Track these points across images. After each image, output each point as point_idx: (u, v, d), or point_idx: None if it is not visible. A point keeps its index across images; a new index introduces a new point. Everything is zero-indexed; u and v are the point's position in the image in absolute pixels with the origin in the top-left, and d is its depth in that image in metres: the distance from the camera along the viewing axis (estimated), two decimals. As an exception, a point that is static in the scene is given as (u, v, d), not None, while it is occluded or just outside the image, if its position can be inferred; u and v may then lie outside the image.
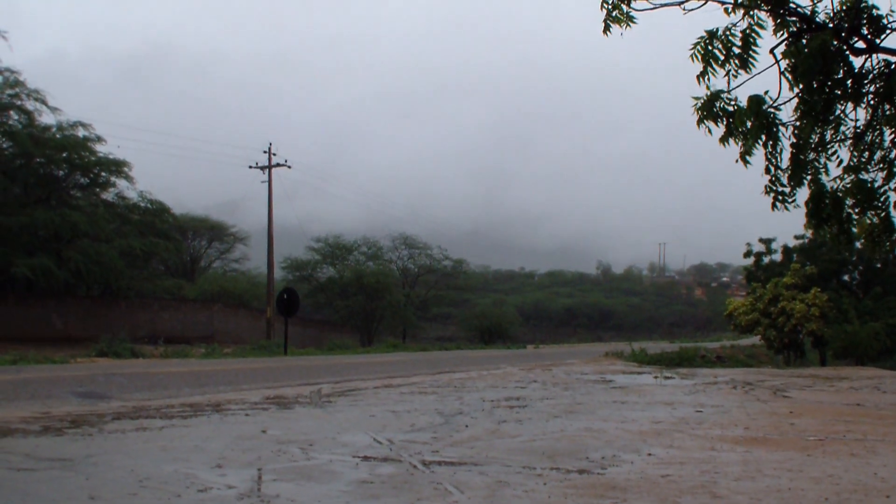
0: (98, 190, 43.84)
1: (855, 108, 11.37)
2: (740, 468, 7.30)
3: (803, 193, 11.71)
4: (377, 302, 61.16)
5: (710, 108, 10.98)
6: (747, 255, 45.71)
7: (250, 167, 50.23)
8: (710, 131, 11.02)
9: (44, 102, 38.06)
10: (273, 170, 49.90)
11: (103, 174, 42.47)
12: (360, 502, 5.73)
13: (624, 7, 11.25)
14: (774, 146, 11.00)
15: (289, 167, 50.42)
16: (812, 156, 11.62)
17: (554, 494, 6.07)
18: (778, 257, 45.01)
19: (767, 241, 45.21)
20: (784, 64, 10.81)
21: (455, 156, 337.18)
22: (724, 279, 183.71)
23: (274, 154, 49.86)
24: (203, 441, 8.17)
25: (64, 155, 40.08)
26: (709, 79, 10.85)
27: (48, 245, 37.82)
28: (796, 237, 44.09)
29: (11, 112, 37.49)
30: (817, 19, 10.97)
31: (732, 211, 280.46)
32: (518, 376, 19.61)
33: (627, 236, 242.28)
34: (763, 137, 10.89)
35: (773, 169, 11.24)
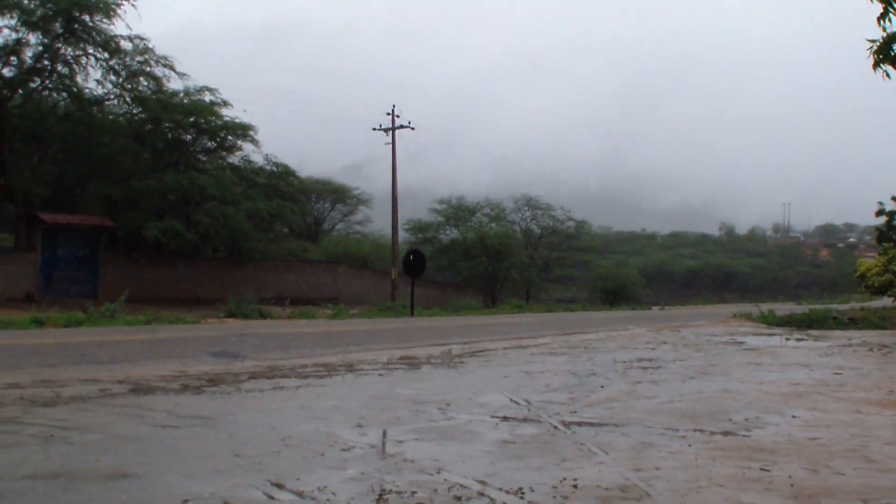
0: (225, 153, 44.44)
1: None
2: (891, 432, 7.05)
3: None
4: (500, 263, 60.98)
5: (887, 52, 10.52)
6: (879, 213, 43.91)
7: (374, 129, 50.44)
8: (887, 75, 10.57)
9: (172, 68, 38.61)
10: (397, 132, 49.97)
11: (230, 138, 42.94)
12: (504, 462, 5.65)
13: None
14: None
15: (412, 129, 50.44)
16: None
17: (701, 457, 5.92)
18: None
19: (901, 200, 43.50)
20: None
21: (581, 118, 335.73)
22: (852, 240, 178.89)
23: (398, 116, 49.99)
24: (340, 400, 8.20)
25: (191, 119, 40.70)
26: (889, 20, 10.38)
27: (177, 208, 38.50)
28: (932, 195, 42.34)
29: (141, 78, 38.15)
30: None
31: (860, 170, 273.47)
32: (647, 338, 19.35)
33: (751, 197, 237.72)
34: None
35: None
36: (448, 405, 7.99)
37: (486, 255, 60.79)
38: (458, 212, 65.09)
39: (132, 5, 36.00)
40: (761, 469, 5.59)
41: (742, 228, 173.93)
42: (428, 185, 59.97)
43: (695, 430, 6.94)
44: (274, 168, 45.27)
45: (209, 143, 43.93)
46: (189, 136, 42.91)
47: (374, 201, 74.76)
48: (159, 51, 38.47)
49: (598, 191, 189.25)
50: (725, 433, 6.87)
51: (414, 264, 37.40)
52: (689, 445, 6.32)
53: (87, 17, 35.35)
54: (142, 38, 37.51)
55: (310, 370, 10.89)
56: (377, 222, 74.75)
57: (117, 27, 36.33)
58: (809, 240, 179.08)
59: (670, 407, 8.25)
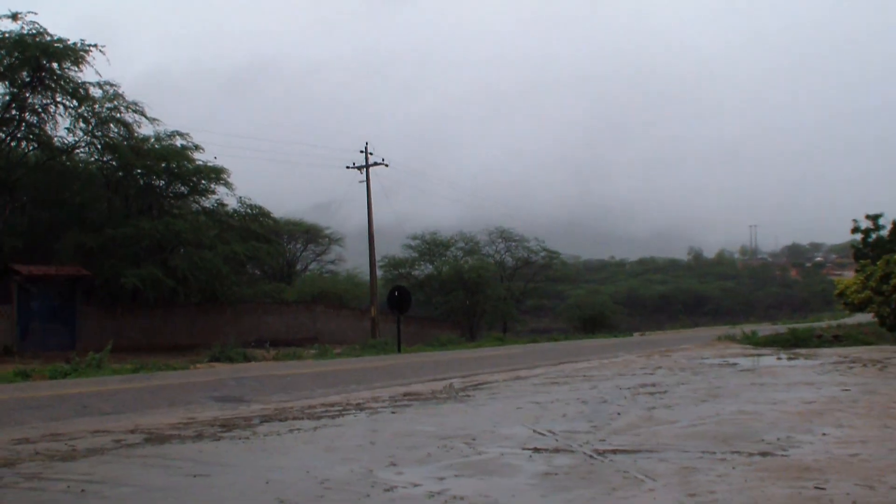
0: (198, 197, 44.27)
1: None
2: (926, 445, 7.03)
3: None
4: (477, 296, 61.03)
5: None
6: (855, 231, 44.42)
7: (348, 167, 50.12)
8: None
9: (142, 114, 38.35)
10: (370, 169, 49.96)
11: (203, 182, 42.81)
12: (554, 495, 5.54)
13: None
14: None
15: (386, 165, 50.15)
16: None
17: (750, 478, 5.87)
18: (885, 233, 43.65)
19: (875, 217, 43.86)
20: None
21: (548, 150, 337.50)
22: (819, 259, 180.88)
23: (371, 154, 49.96)
24: (363, 440, 8.04)
25: (164, 165, 40.43)
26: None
27: (153, 255, 38.20)
28: (905, 211, 42.82)
29: (111, 125, 37.85)
30: None
31: (823, 190, 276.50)
32: (640, 363, 19.33)
33: (718, 220, 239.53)
34: None
35: None
36: (474, 439, 7.86)
37: (462, 289, 60.85)
38: (431, 247, 65.24)
39: (100, 51, 35.74)
40: (816, 488, 5.53)
41: (710, 252, 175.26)
42: (399, 222, 60.12)
43: (732, 453, 6.90)
44: (248, 210, 45.05)
45: (182, 188, 43.67)
46: (161, 182, 42.64)
47: (346, 240, 74.75)
48: (128, 97, 38.29)
49: (567, 221, 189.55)
50: (764, 454, 6.83)
51: (399, 300, 37.17)
52: (733, 468, 6.27)
53: (55, 65, 35.05)
54: (111, 84, 37.25)
55: (319, 411, 10.71)
56: (350, 261, 74.72)
57: (86, 74, 36.08)
58: (777, 260, 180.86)
59: (695, 430, 8.19)
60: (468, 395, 12.32)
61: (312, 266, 74.57)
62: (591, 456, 6.86)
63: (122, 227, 36.90)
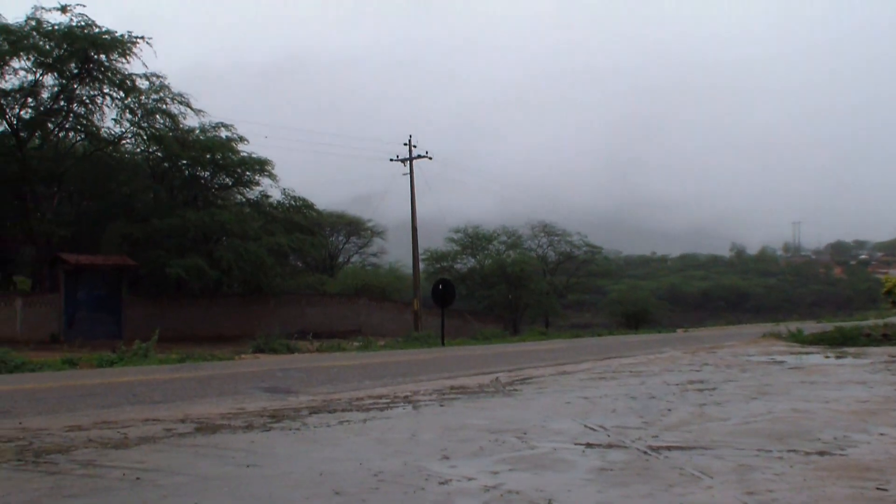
0: (242, 189, 44.57)
1: None
2: None
3: None
4: (520, 290, 60.94)
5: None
6: (902, 229, 43.86)
7: (391, 160, 50.22)
8: None
9: (188, 105, 38.75)
10: (413, 162, 49.98)
11: (247, 173, 43.11)
12: (612, 490, 5.45)
13: None
14: None
15: (430, 158, 50.22)
16: None
17: (808, 478, 5.74)
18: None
19: (927, 213, 43.30)
20: None
21: (587, 143, 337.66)
22: (863, 256, 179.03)
23: (414, 146, 49.96)
24: (414, 433, 7.99)
25: (208, 156, 40.73)
26: None
27: (198, 246, 38.50)
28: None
29: (157, 116, 38.19)
30: None
31: (868, 187, 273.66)
32: (686, 360, 19.15)
33: (760, 217, 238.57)
34: None
35: None
36: (525, 434, 7.78)
37: (505, 283, 60.76)
38: (474, 240, 65.26)
39: (147, 43, 36.02)
40: (878, 488, 5.40)
41: (752, 249, 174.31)
42: (440, 215, 59.88)
43: (788, 451, 6.75)
44: (292, 202, 45.24)
45: (226, 179, 43.93)
46: (206, 173, 42.93)
47: (388, 232, 74.88)
48: (173, 89, 38.54)
49: (607, 215, 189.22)
50: (821, 453, 6.68)
51: (444, 294, 37.13)
52: (791, 466, 6.13)
53: (103, 57, 35.33)
54: (157, 76, 37.58)
55: (367, 403, 10.68)
56: (391, 253, 74.90)
57: (133, 66, 36.37)
58: (821, 258, 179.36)
59: (748, 428, 8.06)
60: (515, 390, 12.25)
61: (354, 259, 74.88)
62: (644, 452, 6.77)
63: (167, 218, 37.25)
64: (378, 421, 8.88)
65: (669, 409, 9.52)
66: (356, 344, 32.10)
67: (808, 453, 6.66)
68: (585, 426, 8.24)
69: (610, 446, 7.09)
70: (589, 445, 7.13)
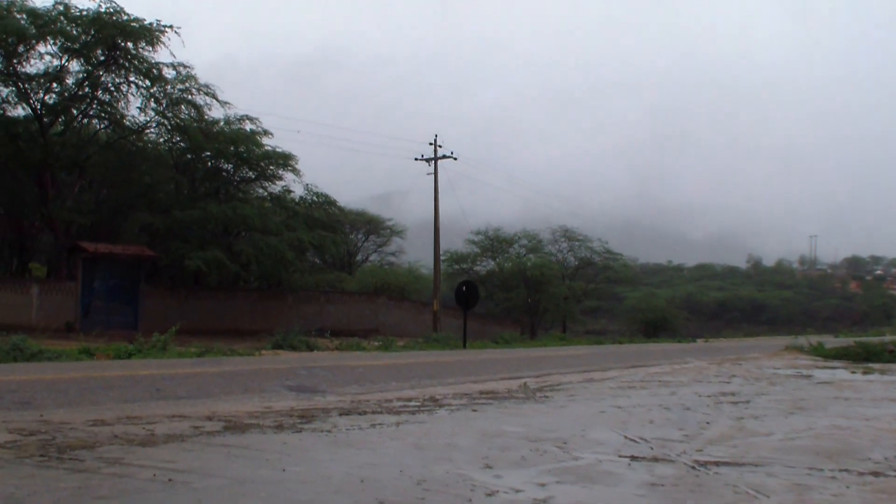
0: (265, 183, 44.38)
1: None
2: None
3: None
4: (539, 294, 60.78)
5: None
6: (925, 245, 43.46)
7: (416, 159, 50.08)
8: None
9: (214, 97, 38.33)
10: (438, 162, 49.72)
11: (270, 167, 42.91)
12: (668, 507, 5.25)
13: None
14: None
15: (455, 159, 50.10)
16: None
17: (869, 500, 5.53)
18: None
19: (946, 231, 42.84)
20: None
21: (608, 149, 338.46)
22: (878, 272, 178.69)
23: (439, 146, 49.72)
24: (451, 438, 7.73)
25: (232, 148, 40.43)
26: None
27: (218, 239, 38.28)
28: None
29: (182, 106, 37.94)
30: None
31: (886, 203, 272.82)
32: (713, 371, 18.94)
33: (777, 229, 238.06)
34: None
35: None
36: (565, 443, 7.54)
37: (524, 287, 60.56)
38: (494, 243, 65.08)
39: (176, 32, 35.78)
40: (942, 514, 5.19)
41: (769, 261, 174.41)
42: (461, 216, 59.77)
43: (840, 470, 6.52)
44: (314, 198, 45.04)
45: (249, 173, 43.75)
46: (230, 166, 42.75)
47: (407, 232, 74.73)
48: (197, 77, 38.33)
49: (626, 222, 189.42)
50: (875, 473, 6.45)
51: (467, 295, 36.82)
52: (847, 487, 5.91)
53: (130, 45, 35.15)
54: (185, 66, 37.29)
55: (397, 405, 10.44)
56: (410, 253, 74.75)
57: (160, 55, 36.17)
58: (837, 272, 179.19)
59: (794, 445, 7.82)
60: (546, 396, 12.02)
61: (373, 257, 74.66)
62: (693, 467, 6.53)
63: (189, 210, 37.01)
64: (411, 425, 8.64)
65: (708, 422, 9.28)
66: (376, 343, 31.94)
67: (861, 473, 6.43)
68: (626, 437, 8.00)
69: (655, 459, 6.85)
70: (634, 458, 6.89)
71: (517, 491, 5.59)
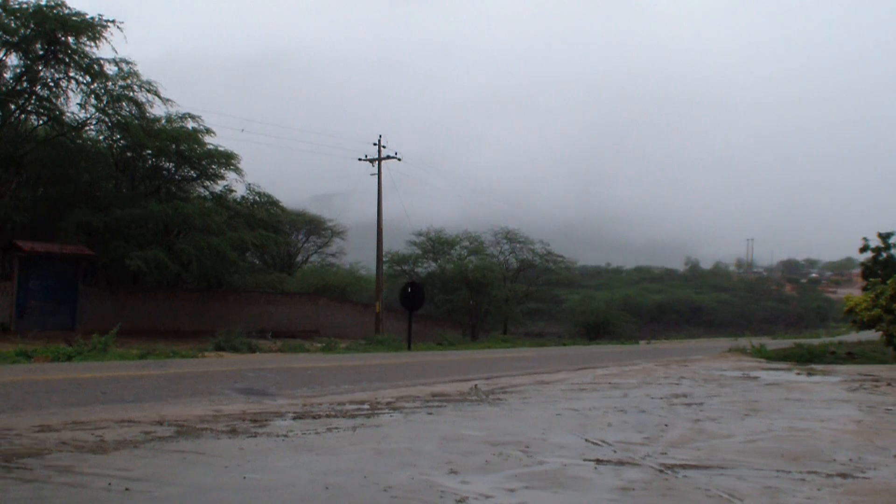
0: (207, 182, 43.72)
1: None
2: None
3: None
4: (481, 296, 60.73)
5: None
6: (864, 249, 43.96)
7: (360, 160, 49.62)
8: None
9: (156, 94, 37.57)
10: (382, 163, 49.38)
11: (213, 166, 42.27)
12: (642, 513, 5.14)
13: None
14: None
15: (399, 159, 49.61)
16: None
17: (842, 502, 5.50)
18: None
19: (885, 236, 43.32)
20: None
21: (553, 154, 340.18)
22: (813, 275, 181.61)
23: (384, 146, 49.41)
24: (411, 443, 7.58)
25: (174, 147, 39.78)
26: None
27: (159, 238, 37.69)
28: (920, 231, 42.30)
29: (123, 103, 37.19)
30: None
31: (820, 208, 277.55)
32: (661, 372, 19.01)
33: (714, 233, 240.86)
34: None
35: None
36: (527, 447, 7.45)
37: (466, 288, 60.47)
38: (436, 244, 64.85)
39: (118, 27, 35.14)
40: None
41: (706, 263, 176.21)
42: (403, 217, 59.59)
43: (808, 473, 6.58)
44: (257, 198, 44.55)
45: (191, 172, 43.12)
46: (171, 164, 42.08)
47: (348, 233, 74.30)
48: (143, 76, 37.70)
49: (566, 224, 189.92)
50: (843, 475, 6.52)
51: (412, 297, 36.48)
52: (819, 490, 5.94)
53: (71, 39, 34.47)
54: (127, 62, 36.62)
55: (351, 409, 10.25)
56: (351, 254, 74.32)
57: (102, 50, 35.51)
58: (773, 275, 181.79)
59: (756, 447, 7.86)
60: (499, 399, 11.90)
61: (313, 258, 73.99)
62: (661, 471, 6.47)
63: (129, 208, 36.36)
64: (369, 429, 8.46)
65: (666, 425, 9.26)
66: (318, 345, 31.65)
67: (829, 475, 6.47)
68: (586, 440, 7.94)
69: (621, 463, 6.79)
70: (599, 461, 6.83)
71: (487, 497, 5.47)
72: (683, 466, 6.65)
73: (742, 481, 6.13)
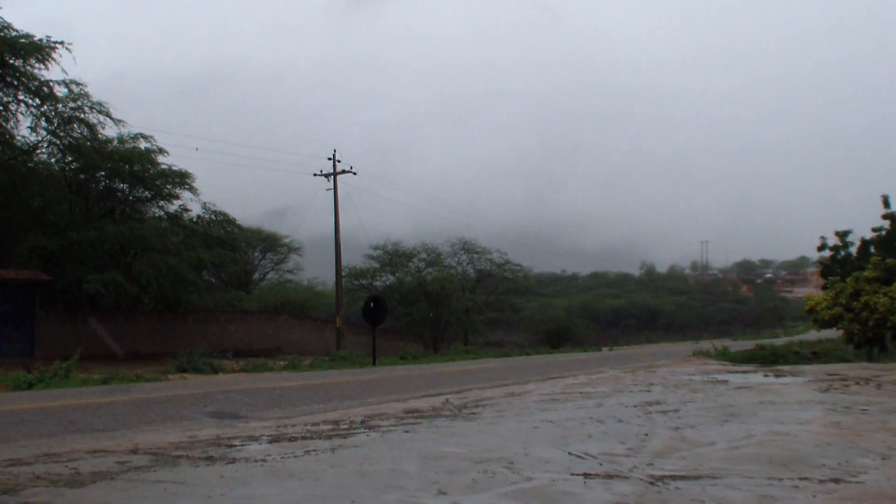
0: (162, 202, 43.32)
1: None
2: None
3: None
4: (441, 308, 60.70)
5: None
6: (822, 248, 44.23)
7: (315, 175, 49.62)
8: None
9: (108, 115, 37.24)
10: (337, 177, 49.25)
11: (167, 186, 41.91)
12: (645, 530, 5.04)
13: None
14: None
15: (354, 174, 49.65)
16: None
17: (840, 510, 5.44)
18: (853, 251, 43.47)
19: (843, 234, 43.64)
20: None
21: (504, 161, 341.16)
22: (769, 275, 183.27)
23: (338, 161, 49.29)
24: (393, 463, 7.42)
25: (127, 168, 39.38)
26: None
27: (115, 260, 37.29)
28: (873, 229, 42.72)
29: (75, 125, 36.84)
30: None
31: (773, 209, 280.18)
32: (629, 379, 18.95)
33: (669, 236, 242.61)
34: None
35: None
36: (512, 463, 7.31)
37: (426, 300, 60.40)
38: (393, 257, 64.80)
39: (67, 49, 34.77)
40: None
41: (661, 267, 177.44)
42: (358, 231, 59.50)
43: (800, 479, 6.50)
44: (212, 216, 44.20)
45: (145, 192, 42.67)
46: (125, 185, 41.62)
47: (305, 249, 73.98)
48: (90, 94, 37.29)
49: (520, 232, 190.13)
50: (835, 480, 6.44)
51: (375, 311, 36.20)
52: (814, 496, 5.87)
53: (19, 62, 34.05)
54: (77, 83, 36.26)
55: (325, 429, 10.08)
56: (308, 270, 74.00)
57: (51, 72, 35.11)
58: (728, 276, 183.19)
59: (742, 454, 7.78)
60: (473, 413, 11.78)
61: (270, 275, 73.56)
62: (651, 483, 6.37)
63: (84, 231, 35.94)
64: (347, 450, 8.30)
65: (647, 434, 9.16)
66: (282, 363, 31.41)
67: (822, 481, 6.40)
68: (570, 454, 7.82)
69: (609, 476, 6.68)
70: (587, 476, 6.72)
71: (481, 519, 5.34)
72: (673, 477, 6.55)
73: (735, 490, 6.05)
